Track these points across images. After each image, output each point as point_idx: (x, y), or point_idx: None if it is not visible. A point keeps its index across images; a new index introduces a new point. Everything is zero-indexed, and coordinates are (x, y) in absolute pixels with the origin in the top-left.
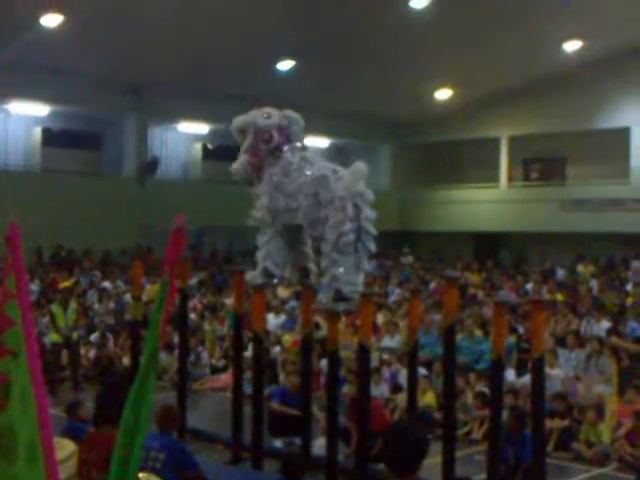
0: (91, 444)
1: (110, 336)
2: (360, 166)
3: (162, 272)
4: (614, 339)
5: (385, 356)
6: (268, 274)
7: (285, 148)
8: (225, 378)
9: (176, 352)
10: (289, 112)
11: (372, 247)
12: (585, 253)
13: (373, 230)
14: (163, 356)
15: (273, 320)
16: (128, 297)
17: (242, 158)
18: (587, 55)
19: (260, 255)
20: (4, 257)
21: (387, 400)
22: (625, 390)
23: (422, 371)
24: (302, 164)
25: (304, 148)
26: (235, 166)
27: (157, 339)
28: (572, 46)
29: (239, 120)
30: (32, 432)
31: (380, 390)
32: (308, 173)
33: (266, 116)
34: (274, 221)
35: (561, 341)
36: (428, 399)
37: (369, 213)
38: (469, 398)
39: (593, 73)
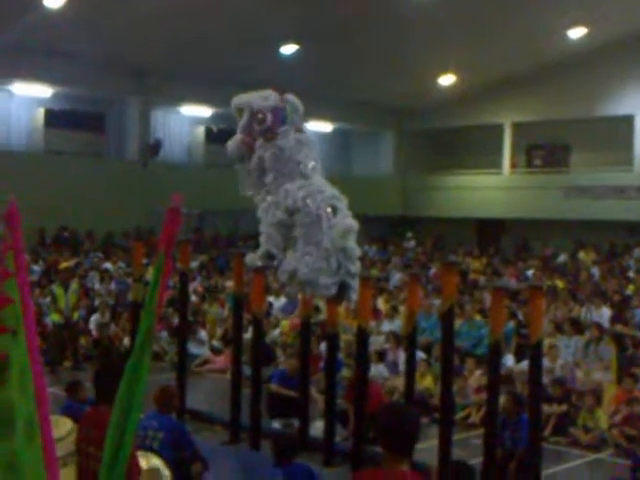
0: (90, 422)
1: (109, 317)
2: (349, 222)
3: (158, 251)
4: (619, 326)
5: (386, 346)
6: (269, 256)
7: (278, 130)
8: (223, 359)
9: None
10: (289, 96)
11: (354, 297)
12: (587, 240)
13: (355, 284)
14: (164, 336)
15: (274, 303)
16: (130, 278)
17: (236, 137)
18: (591, 42)
19: (262, 238)
20: (3, 236)
21: (385, 380)
22: (624, 377)
23: (421, 355)
24: (297, 147)
25: (300, 130)
26: (229, 143)
27: (152, 318)
28: (576, 33)
29: (238, 99)
30: (30, 409)
31: (379, 370)
32: (301, 193)
33: (263, 98)
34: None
35: (562, 327)
36: (427, 383)
37: (352, 268)
38: (468, 382)
39: (597, 60)
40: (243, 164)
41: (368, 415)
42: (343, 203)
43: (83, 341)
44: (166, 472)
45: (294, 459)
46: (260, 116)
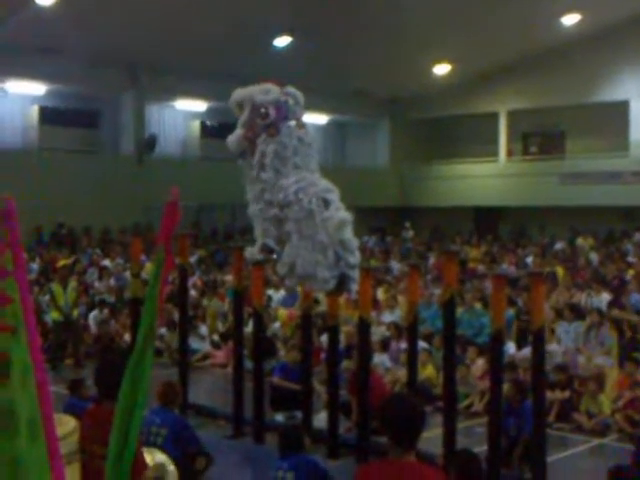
0: (93, 420)
1: (107, 313)
2: (343, 215)
3: (157, 246)
4: (615, 311)
5: (387, 333)
6: (267, 250)
7: (281, 126)
8: (223, 353)
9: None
10: (290, 89)
11: (354, 288)
12: (584, 226)
13: (355, 275)
14: (165, 333)
15: (273, 296)
16: (128, 275)
17: (238, 131)
18: (585, 28)
19: (257, 232)
20: (1, 235)
21: (387, 370)
22: (625, 362)
23: (423, 344)
24: (298, 146)
25: (302, 126)
26: (231, 138)
27: (154, 313)
28: (570, 19)
29: (237, 93)
30: (32, 408)
31: (382, 359)
32: (293, 188)
33: (265, 92)
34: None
35: (562, 313)
36: (428, 372)
37: (351, 260)
38: (470, 370)
39: (592, 46)
40: (246, 160)
41: (371, 406)
42: (335, 195)
43: (86, 338)
44: (171, 467)
45: (301, 451)
46: (263, 110)
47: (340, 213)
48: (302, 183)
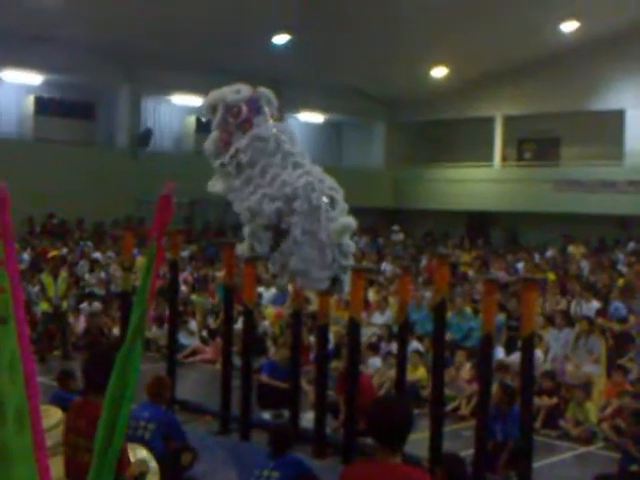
0: (79, 412)
1: (99, 306)
2: (349, 221)
3: (149, 239)
4: (600, 320)
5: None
6: (254, 250)
7: (255, 120)
8: (212, 350)
9: (166, 325)
10: (262, 89)
11: (346, 289)
12: (576, 234)
13: (347, 277)
14: (153, 329)
15: (264, 294)
16: (114, 268)
17: (213, 134)
18: (583, 36)
19: (246, 232)
20: None
21: (377, 370)
22: (612, 370)
23: (417, 346)
24: (279, 135)
25: (279, 119)
26: (207, 143)
27: (145, 306)
28: (569, 27)
29: (209, 97)
30: (20, 399)
31: (373, 361)
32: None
33: (236, 91)
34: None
35: (553, 320)
36: (420, 374)
37: (344, 263)
38: (459, 374)
39: (589, 54)
40: (220, 162)
41: (359, 406)
42: (340, 195)
43: (75, 330)
44: (153, 463)
45: (288, 451)
46: (235, 110)
47: (344, 218)
48: (309, 177)
